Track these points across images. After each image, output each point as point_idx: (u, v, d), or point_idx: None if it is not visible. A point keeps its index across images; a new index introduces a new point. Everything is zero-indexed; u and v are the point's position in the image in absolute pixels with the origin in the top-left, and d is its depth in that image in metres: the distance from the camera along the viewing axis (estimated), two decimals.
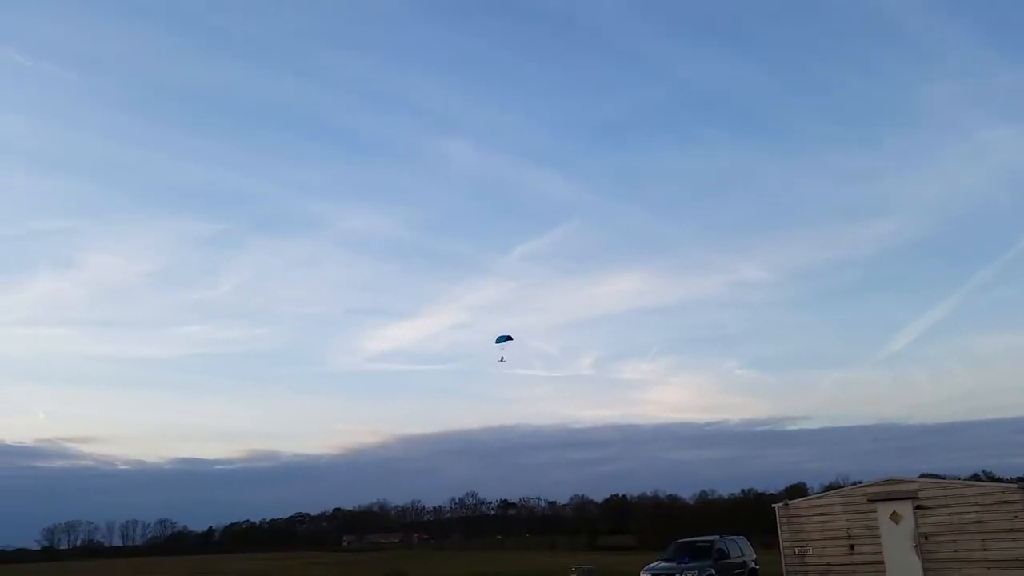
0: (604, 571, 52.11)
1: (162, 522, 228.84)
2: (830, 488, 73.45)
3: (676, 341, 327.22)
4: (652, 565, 33.59)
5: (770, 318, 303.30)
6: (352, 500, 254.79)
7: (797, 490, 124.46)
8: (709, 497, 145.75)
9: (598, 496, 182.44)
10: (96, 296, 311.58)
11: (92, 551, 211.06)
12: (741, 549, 36.30)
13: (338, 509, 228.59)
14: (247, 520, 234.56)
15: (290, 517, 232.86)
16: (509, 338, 55.60)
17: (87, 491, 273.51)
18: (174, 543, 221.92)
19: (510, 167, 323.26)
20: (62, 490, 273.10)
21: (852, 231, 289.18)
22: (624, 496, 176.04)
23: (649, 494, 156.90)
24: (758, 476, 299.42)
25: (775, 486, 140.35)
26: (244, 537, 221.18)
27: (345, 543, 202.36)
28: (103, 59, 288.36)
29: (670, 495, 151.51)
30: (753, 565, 36.43)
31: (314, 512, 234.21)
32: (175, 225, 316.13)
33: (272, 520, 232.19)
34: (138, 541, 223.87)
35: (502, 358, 55.99)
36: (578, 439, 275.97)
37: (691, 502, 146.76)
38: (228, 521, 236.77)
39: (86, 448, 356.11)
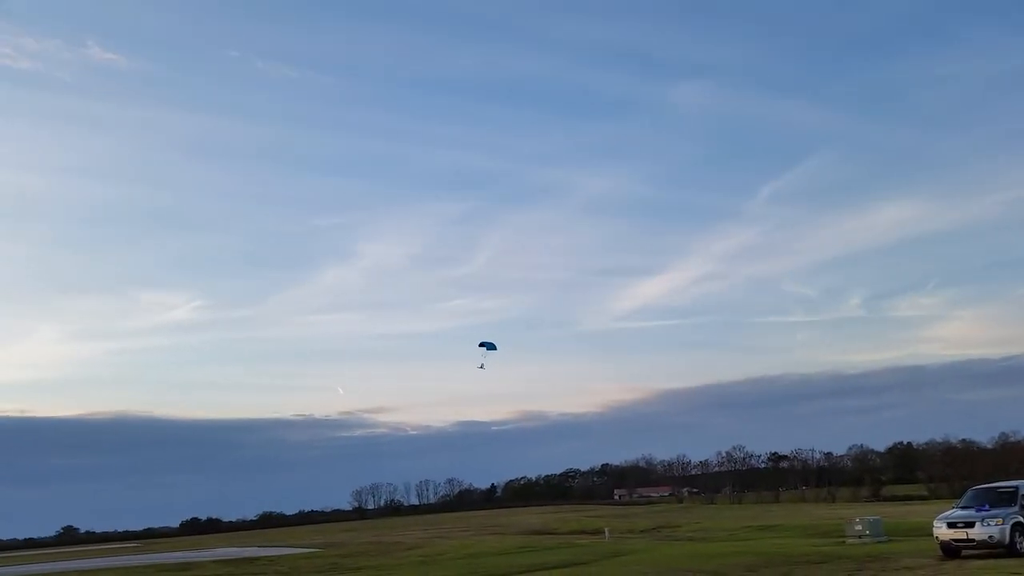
0: (891, 522, 49.67)
1: (450, 481, 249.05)
2: None
3: (957, 271, 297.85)
4: (947, 513, 31.68)
5: None
6: (618, 456, 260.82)
7: None
8: (1011, 440, 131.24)
9: (880, 445, 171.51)
10: (371, 281, 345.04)
11: (394, 509, 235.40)
12: None
13: (606, 464, 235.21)
14: (524, 476, 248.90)
15: (562, 473, 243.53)
16: (493, 347, 53.97)
17: (385, 456, 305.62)
18: (462, 500, 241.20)
19: (746, 103, 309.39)
20: (364, 456, 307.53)
21: None
22: (909, 443, 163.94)
23: (939, 440, 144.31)
24: None
25: None
26: (522, 492, 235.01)
27: (616, 497, 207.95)
28: (354, 62, 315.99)
29: (963, 440, 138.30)
30: None
31: (584, 468, 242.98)
32: (431, 208, 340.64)
33: (547, 476, 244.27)
34: (431, 499, 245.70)
35: (482, 365, 54.40)
36: (852, 385, 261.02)
37: (989, 446, 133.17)
38: (507, 478, 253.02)
39: (380, 417, 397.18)
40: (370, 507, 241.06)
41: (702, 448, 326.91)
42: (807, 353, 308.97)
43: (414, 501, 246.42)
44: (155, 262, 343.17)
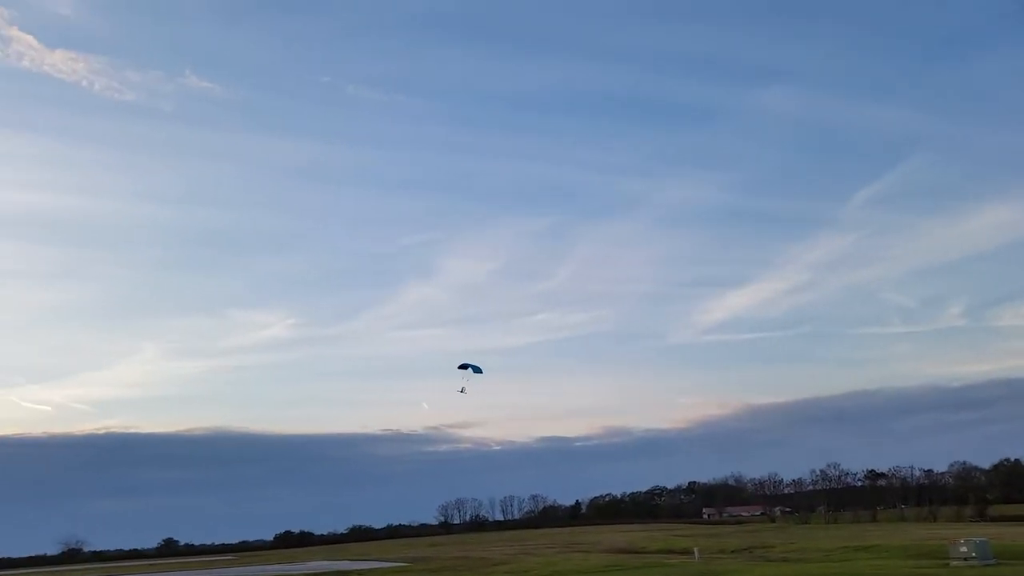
0: (999, 544, 47.20)
1: (534, 497, 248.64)
2: None
3: None
4: None
5: None
6: (707, 473, 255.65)
7: None
8: None
9: (984, 462, 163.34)
10: (456, 297, 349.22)
11: (479, 525, 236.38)
12: None
13: (694, 482, 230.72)
14: (609, 493, 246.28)
15: (648, 490, 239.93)
16: (479, 370, 51.45)
17: (469, 470, 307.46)
18: (546, 516, 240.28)
19: (835, 106, 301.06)
20: (449, 470, 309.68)
21: None
22: (1017, 460, 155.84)
23: None
24: None
25: None
26: (607, 510, 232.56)
27: (705, 515, 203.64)
28: (438, 83, 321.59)
29: None
30: None
31: (670, 485, 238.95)
32: (512, 223, 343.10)
33: (632, 493, 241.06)
34: (515, 515, 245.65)
35: (462, 389, 51.90)
36: (954, 399, 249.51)
37: None
38: (592, 495, 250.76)
39: (465, 432, 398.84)
40: (456, 522, 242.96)
41: (795, 466, 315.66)
42: (906, 365, 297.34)
43: (499, 517, 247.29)
44: (250, 283, 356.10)
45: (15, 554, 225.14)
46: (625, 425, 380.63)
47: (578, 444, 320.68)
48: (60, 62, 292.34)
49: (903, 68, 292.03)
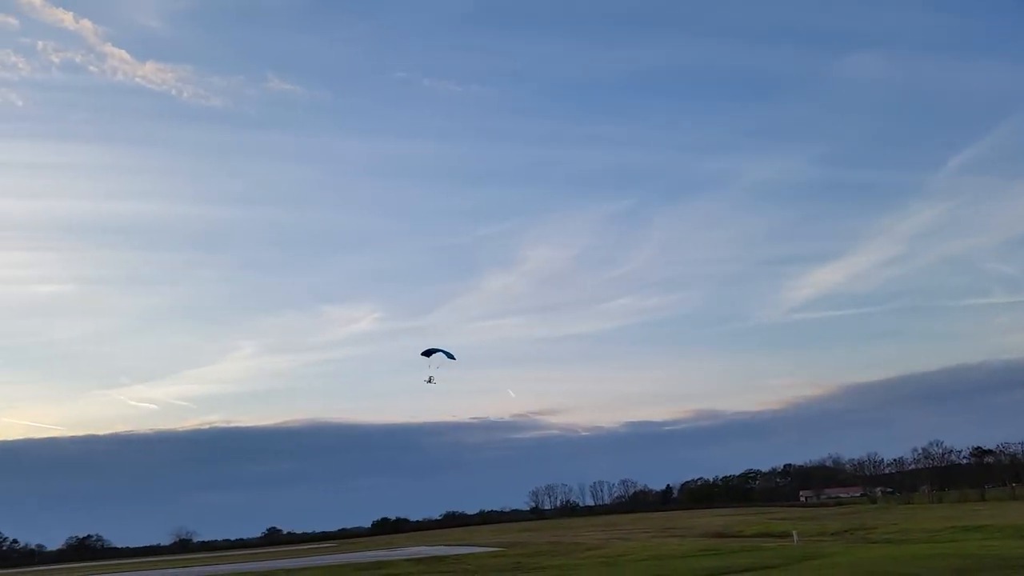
0: None
1: (624, 482, 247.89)
2: None
3: None
4: None
5: None
6: (802, 455, 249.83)
7: None
8: None
9: None
10: (536, 285, 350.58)
11: (570, 510, 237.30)
12: None
13: (789, 465, 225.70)
14: (701, 478, 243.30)
15: (742, 474, 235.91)
16: (451, 356, 46.51)
17: (557, 456, 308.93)
18: (637, 501, 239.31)
19: (925, 70, 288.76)
20: (537, 457, 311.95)
21: None
22: None
23: None
24: None
25: None
26: (700, 494, 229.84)
27: (802, 498, 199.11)
28: (511, 72, 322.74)
29: None
30: None
31: (765, 468, 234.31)
32: (590, 208, 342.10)
33: (725, 477, 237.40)
34: (606, 500, 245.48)
35: (430, 379, 47.45)
36: None
37: None
38: (683, 479, 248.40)
39: (552, 419, 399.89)
40: (547, 507, 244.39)
41: (895, 445, 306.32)
42: (1010, 337, 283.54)
43: (589, 502, 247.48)
44: (338, 278, 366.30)
45: (132, 544, 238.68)
46: (715, 408, 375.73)
47: (667, 428, 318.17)
48: (150, 73, 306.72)
49: (997, 25, 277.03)
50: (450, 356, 47.52)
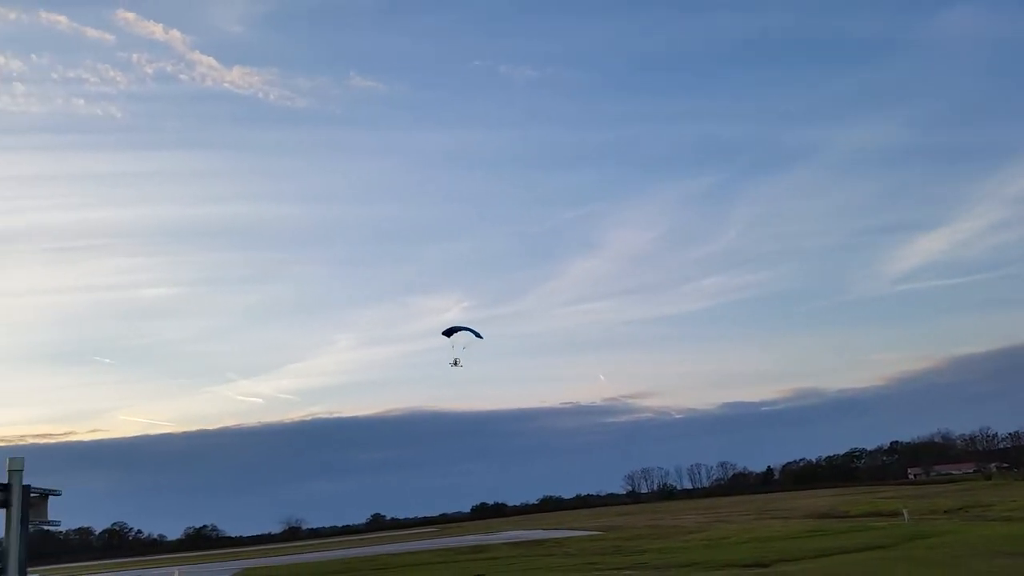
0: None
1: (723, 464, 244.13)
2: None
3: None
4: None
5: None
6: (909, 432, 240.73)
7: None
8: None
9: None
10: (621, 267, 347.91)
11: (667, 494, 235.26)
12: None
13: (895, 442, 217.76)
14: (803, 458, 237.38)
15: (846, 453, 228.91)
16: (477, 334, 40.30)
17: (651, 440, 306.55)
18: (736, 483, 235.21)
19: None
20: (631, 440, 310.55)
21: None
22: None
23: None
24: None
25: None
26: (803, 475, 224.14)
27: (911, 476, 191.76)
28: (587, 53, 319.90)
29: None
30: None
31: (870, 447, 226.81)
32: (674, 187, 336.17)
33: (828, 457, 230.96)
34: (704, 483, 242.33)
35: (456, 360, 41.21)
36: None
37: None
38: (784, 460, 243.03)
39: (644, 402, 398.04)
40: (643, 491, 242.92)
41: (1010, 418, 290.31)
42: None
43: (687, 485, 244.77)
44: (426, 269, 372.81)
45: (244, 533, 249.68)
46: (815, 386, 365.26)
47: (765, 409, 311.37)
48: (237, 78, 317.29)
49: None
50: (477, 335, 42.94)
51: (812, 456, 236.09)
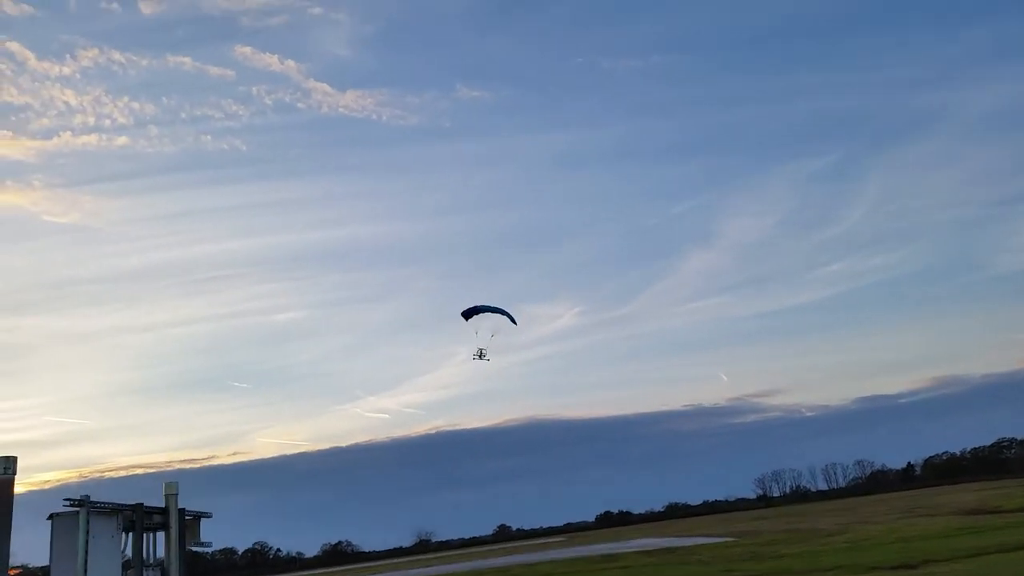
0: None
1: (860, 462, 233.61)
2: None
3: None
4: None
5: None
6: None
7: None
8: None
9: None
10: (737, 259, 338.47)
11: (801, 496, 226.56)
12: None
13: None
14: (946, 452, 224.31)
15: (993, 443, 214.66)
16: (506, 314, 31.57)
17: (781, 439, 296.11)
18: (875, 481, 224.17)
19: None
20: (759, 441, 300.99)
21: None
22: None
23: None
24: None
25: None
26: (946, 469, 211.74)
27: None
28: (688, 37, 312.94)
29: None
30: None
31: (1020, 435, 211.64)
32: (790, 169, 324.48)
33: (974, 448, 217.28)
34: (840, 483, 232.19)
35: (481, 353, 32.84)
36: None
37: None
38: (926, 454, 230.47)
39: (771, 400, 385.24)
40: (775, 494, 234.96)
41: None
42: None
43: (822, 486, 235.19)
44: (536, 276, 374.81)
45: (377, 547, 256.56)
46: (957, 373, 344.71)
47: (903, 401, 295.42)
48: (351, 101, 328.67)
49: None
50: (510, 318, 31.05)
51: (956, 449, 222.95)
